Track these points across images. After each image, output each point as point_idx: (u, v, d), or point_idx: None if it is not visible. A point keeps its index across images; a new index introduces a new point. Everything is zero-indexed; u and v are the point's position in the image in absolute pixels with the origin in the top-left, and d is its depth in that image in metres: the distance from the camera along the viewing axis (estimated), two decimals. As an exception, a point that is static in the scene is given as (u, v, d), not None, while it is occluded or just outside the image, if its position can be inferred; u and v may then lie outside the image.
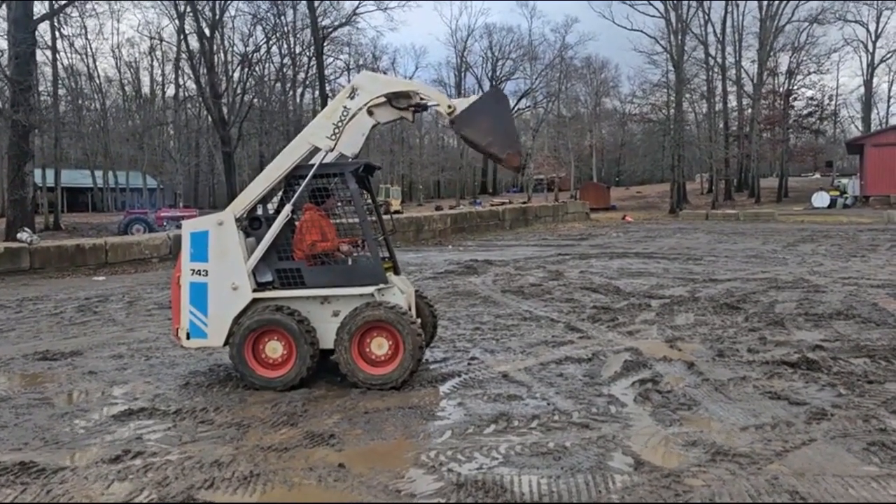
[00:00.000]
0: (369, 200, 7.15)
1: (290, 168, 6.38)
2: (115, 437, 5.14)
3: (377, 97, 6.33)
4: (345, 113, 6.24)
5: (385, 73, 75.27)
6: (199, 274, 6.39)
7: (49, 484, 4.29)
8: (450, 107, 6.22)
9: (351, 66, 64.24)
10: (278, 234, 6.43)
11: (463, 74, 74.88)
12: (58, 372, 7.11)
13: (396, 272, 7.08)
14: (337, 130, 6.20)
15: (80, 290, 13.45)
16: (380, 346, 6.18)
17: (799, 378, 6.27)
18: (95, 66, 64.07)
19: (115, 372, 7.05)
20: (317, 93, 52.98)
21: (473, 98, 6.35)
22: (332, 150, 6.26)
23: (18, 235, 19.00)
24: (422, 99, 6.48)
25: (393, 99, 6.42)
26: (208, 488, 4.18)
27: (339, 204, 6.78)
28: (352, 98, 6.26)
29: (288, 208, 6.29)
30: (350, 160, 6.55)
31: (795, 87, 56.08)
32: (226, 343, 6.36)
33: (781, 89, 56.46)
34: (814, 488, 3.99)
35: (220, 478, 4.32)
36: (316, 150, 6.31)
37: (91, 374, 6.96)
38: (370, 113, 6.41)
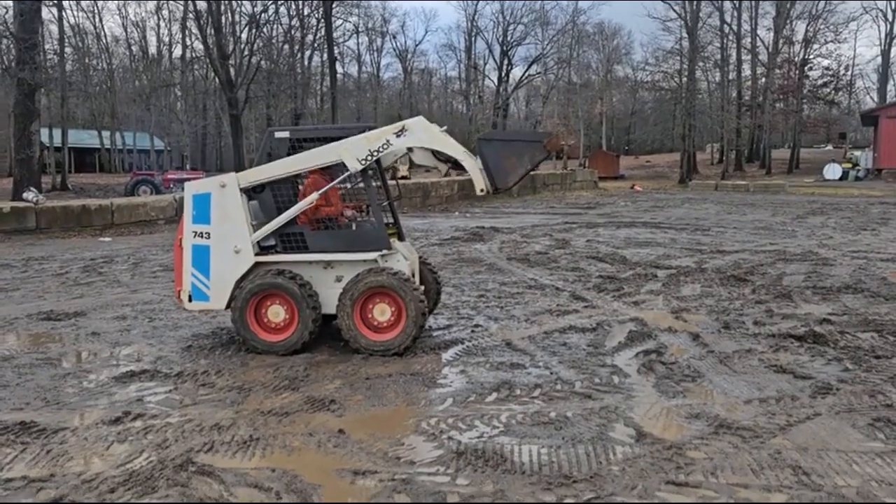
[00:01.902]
0: (374, 166, 7.06)
1: (311, 168, 6.33)
2: (116, 398, 5.14)
3: (422, 146, 6.30)
4: (385, 145, 6.18)
5: (395, 37, 74.31)
6: (202, 236, 6.34)
7: (49, 444, 4.30)
8: (482, 189, 6.24)
9: (360, 29, 63.44)
10: (282, 198, 6.38)
11: (473, 38, 73.62)
12: (61, 332, 7.12)
13: (401, 238, 7.02)
14: (370, 158, 6.17)
15: (86, 251, 13.46)
16: (382, 312, 6.15)
17: (805, 352, 6.21)
18: (102, 25, 63.53)
19: (119, 333, 7.06)
20: (325, 55, 52.28)
21: (479, 164, 6.21)
22: (357, 172, 6.19)
23: (24, 195, 19.03)
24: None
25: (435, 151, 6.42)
26: (207, 451, 4.17)
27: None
28: (398, 136, 6.20)
29: (315, 196, 6.20)
30: (355, 125, 6.49)
31: (811, 57, 55.10)
32: (228, 306, 6.34)
33: (797, 58, 55.46)
34: (817, 463, 3.95)
35: (220, 441, 4.31)
36: (342, 162, 6.23)
37: (94, 335, 6.96)
38: (410, 150, 6.42)
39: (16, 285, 9.84)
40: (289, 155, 6.48)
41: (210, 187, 6.39)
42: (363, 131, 6.47)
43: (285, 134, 6.59)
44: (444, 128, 6.47)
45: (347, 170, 6.24)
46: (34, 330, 7.26)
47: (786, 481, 3.75)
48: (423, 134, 6.24)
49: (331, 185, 6.29)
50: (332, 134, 6.55)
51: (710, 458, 4.02)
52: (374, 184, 6.54)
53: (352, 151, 6.16)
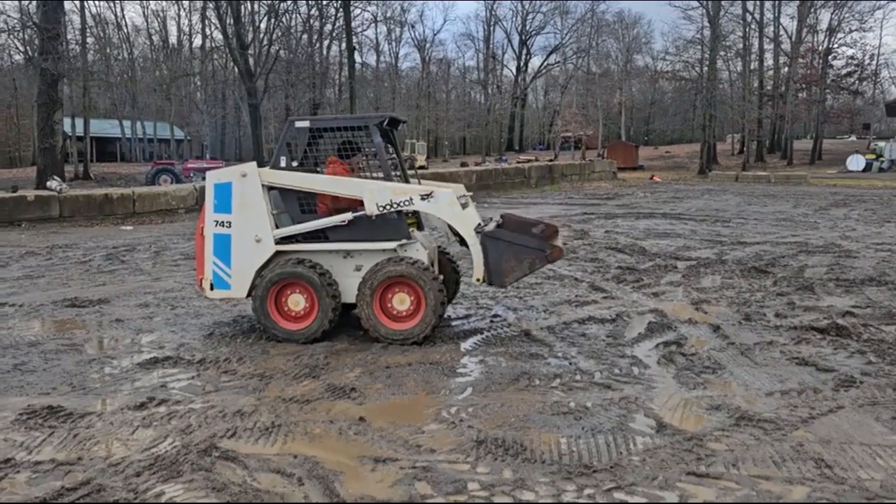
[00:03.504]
0: (394, 154, 7.09)
1: (332, 193, 6.40)
2: (140, 384, 5.22)
3: (441, 217, 6.42)
4: (408, 202, 6.26)
5: (413, 26, 73.69)
6: (223, 225, 6.40)
7: (76, 428, 4.37)
8: (478, 279, 6.37)
9: (378, 19, 63.30)
10: (303, 192, 6.42)
11: (492, 28, 73.25)
12: (86, 319, 7.23)
13: (420, 228, 7.04)
14: (389, 207, 6.22)
15: (108, 239, 13.63)
16: (401, 301, 6.17)
17: (828, 344, 6.16)
18: (123, 15, 63.87)
19: (142, 320, 7.15)
20: (343, 45, 52.31)
21: (479, 258, 6.30)
22: (372, 215, 6.24)
23: (47, 183, 19.27)
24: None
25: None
26: (230, 437, 4.23)
27: (365, 158, 6.72)
28: (423, 199, 6.28)
29: (348, 216, 6.26)
30: (374, 115, 6.52)
31: (835, 46, 54.14)
32: (249, 295, 6.40)
33: (821, 48, 54.57)
34: (840, 456, 3.93)
35: (243, 427, 4.37)
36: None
37: (118, 322, 7.06)
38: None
39: (41, 272, 9.99)
40: (309, 145, 6.54)
41: (231, 177, 6.44)
42: (383, 121, 6.50)
43: (305, 123, 6.61)
44: (466, 196, 6.58)
45: (362, 143, 6.39)
46: (59, 316, 7.37)
47: (808, 474, 3.73)
48: (447, 208, 6.34)
49: (354, 214, 6.28)
50: (352, 123, 6.58)
51: (731, 450, 4.01)
52: (392, 173, 6.57)
53: (374, 195, 6.20)
